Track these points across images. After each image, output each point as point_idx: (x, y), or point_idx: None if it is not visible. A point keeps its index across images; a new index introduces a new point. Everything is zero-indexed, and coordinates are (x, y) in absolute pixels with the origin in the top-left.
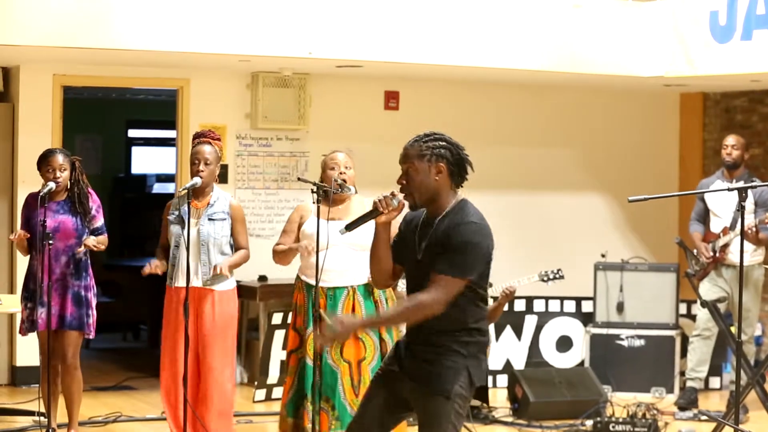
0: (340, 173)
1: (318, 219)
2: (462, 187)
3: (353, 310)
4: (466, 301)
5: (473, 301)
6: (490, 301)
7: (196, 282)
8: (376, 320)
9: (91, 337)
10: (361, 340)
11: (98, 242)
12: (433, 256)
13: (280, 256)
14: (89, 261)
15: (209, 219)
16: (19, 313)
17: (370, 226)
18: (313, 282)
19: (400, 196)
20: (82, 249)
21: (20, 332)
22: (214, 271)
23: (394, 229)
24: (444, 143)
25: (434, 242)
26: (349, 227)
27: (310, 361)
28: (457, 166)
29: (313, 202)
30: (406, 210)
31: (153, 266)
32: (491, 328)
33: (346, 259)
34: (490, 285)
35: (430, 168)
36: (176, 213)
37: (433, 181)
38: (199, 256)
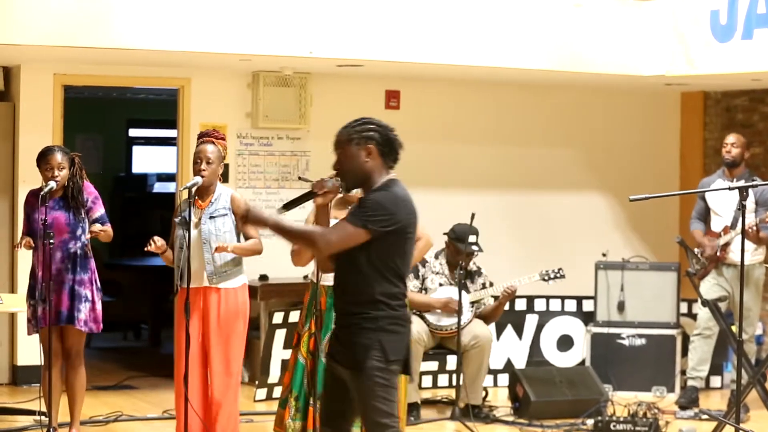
0: None
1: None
2: (392, 167)
3: None
4: (372, 272)
5: (382, 274)
6: (490, 300)
7: (204, 282)
8: (279, 225)
9: (94, 331)
10: None
11: (103, 228)
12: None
13: (296, 256)
14: (89, 256)
15: (210, 217)
16: (20, 312)
17: None
18: (326, 284)
19: (336, 179)
20: (88, 236)
21: (27, 332)
22: (219, 250)
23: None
24: (372, 126)
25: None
26: (287, 207)
27: (302, 359)
28: (387, 146)
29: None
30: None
31: (157, 244)
32: (492, 327)
33: None
34: (491, 284)
35: (360, 151)
36: (182, 215)
37: (363, 163)
38: (203, 256)
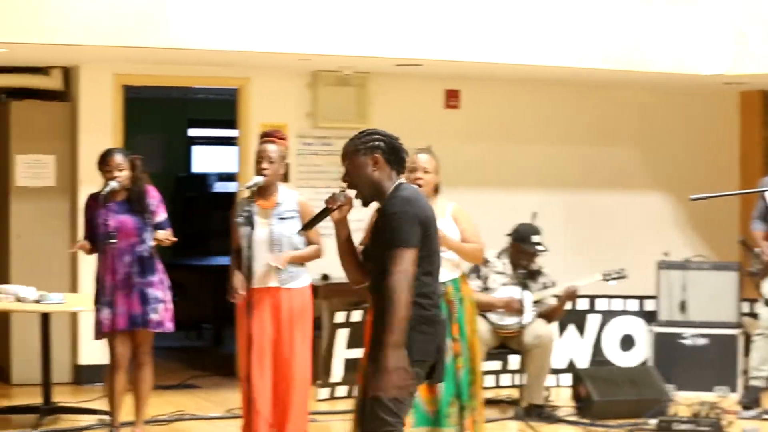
0: (416, 178)
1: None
2: (402, 174)
3: None
4: None
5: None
6: (552, 300)
7: (272, 282)
8: (387, 331)
9: (167, 331)
10: None
11: (167, 236)
12: (378, 243)
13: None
14: (155, 257)
15: (280, 218)
16: (83, 311)
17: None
18: None
19: (348, 191)
20: (153, 243)
21: (95, 337)
22: (276, 265)
23: None
24: (376, 136)
25: (378, 228)
26: (306, 227)
27: None
28: (393, 154)
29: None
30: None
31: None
32: (554, 327)
33: None
34: (553, 284)
35: (367, 160)
36: (245, 214)
37: (371, 172)
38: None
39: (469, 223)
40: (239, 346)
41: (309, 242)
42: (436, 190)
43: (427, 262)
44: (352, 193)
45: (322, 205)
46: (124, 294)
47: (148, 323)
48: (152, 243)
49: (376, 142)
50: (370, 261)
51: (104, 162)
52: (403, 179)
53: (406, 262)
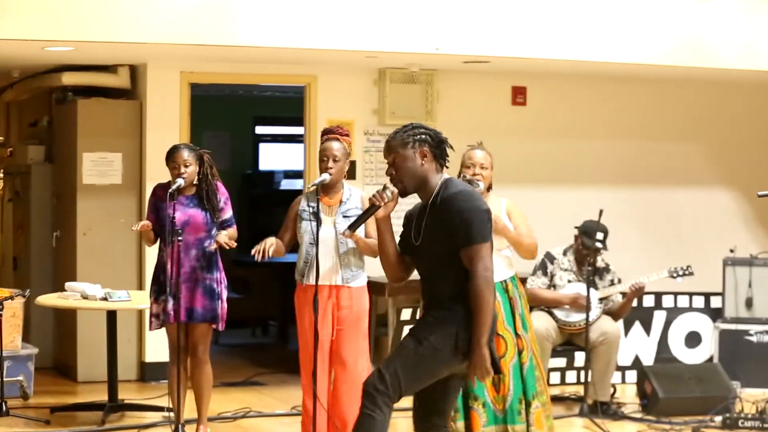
0: (474, 174)
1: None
2: (447, 167)
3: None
4: (457, 269)
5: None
6: (619, 297)
7: (335, 279)
8: (479, 334)
9: (220, 329)
10: (501, 336)
11: (229, 238)
12: (433, 237)
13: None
14: (219, 255)
15: (344, 216)
16: (148, 309)
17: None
18: None
19: (392, 187)
20: (213, 246)
21: (149, 328)
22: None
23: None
24: (423, 130)
25: (432, 222)
26: (352, 227)
27: None
28: (439, 149)
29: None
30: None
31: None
32: (620, 324)
33: None
34: (619, 281)
35: (416, 154)
36: (309, 210)
37: (419, 166)
38: (339, 254)
39: (523, 219)
40: (301, 343)
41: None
42: (489, 186)
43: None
44: (395, 189)
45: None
46: (187, 288)
47: (215, 319)
48: (213, 246)
49: (424, 136)
50: (415, 255)
51: (171, 158)
52: (447, 174)
53: (486, 259)
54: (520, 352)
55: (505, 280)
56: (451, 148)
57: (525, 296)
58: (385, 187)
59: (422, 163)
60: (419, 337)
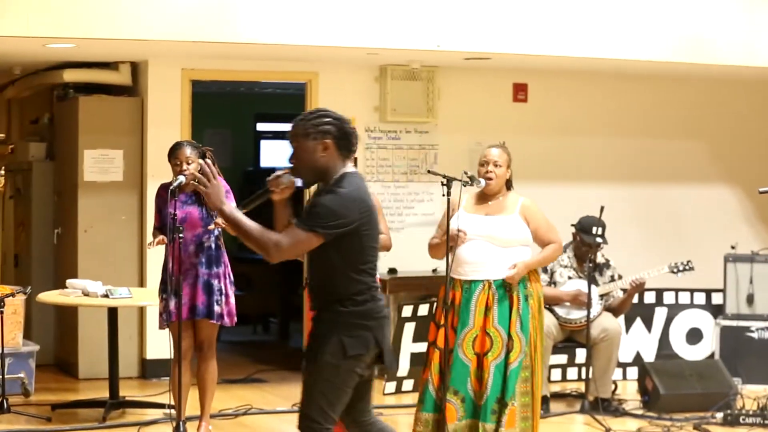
0: (487, 172)
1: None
2: (349, 158)
3: (488, 304)
4: (337, 273)
5: (345, 273)
6: (620, 293)
7: None
8: (236, 220)
9: (227, 325)
10: (489, 334)
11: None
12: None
13: (434, 249)
14: (223, 249)
15: None
16: (149, 306)
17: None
18: (453, 276)
19: (289, 175)
20: (213, 227)
21: (159, 326)
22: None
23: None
24: (329, 119)
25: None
26: (245, 205)
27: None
28: (344, 139)
29: (443, 195)
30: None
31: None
32: (621, 320)
33: (483, 253)
34: (620, 277)
35: (316, 146)
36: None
37: (319, 158)
38: None
39: (542, 219)
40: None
41: None
42: (508, 186)
43: (361, 258)
44: (292, 178)
45: (386, 198)
46: (188, 284)
47: (211, 314)
48: (216, 230)
49: (327, 126)
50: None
51: (173, 155)
52: (351, 167)
53: (292, 241)
54: (508, 353)
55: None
56: (356, 137)
57: (538, 295)
58: (285, 173)
59: (323, 155)
60: (317, 362)
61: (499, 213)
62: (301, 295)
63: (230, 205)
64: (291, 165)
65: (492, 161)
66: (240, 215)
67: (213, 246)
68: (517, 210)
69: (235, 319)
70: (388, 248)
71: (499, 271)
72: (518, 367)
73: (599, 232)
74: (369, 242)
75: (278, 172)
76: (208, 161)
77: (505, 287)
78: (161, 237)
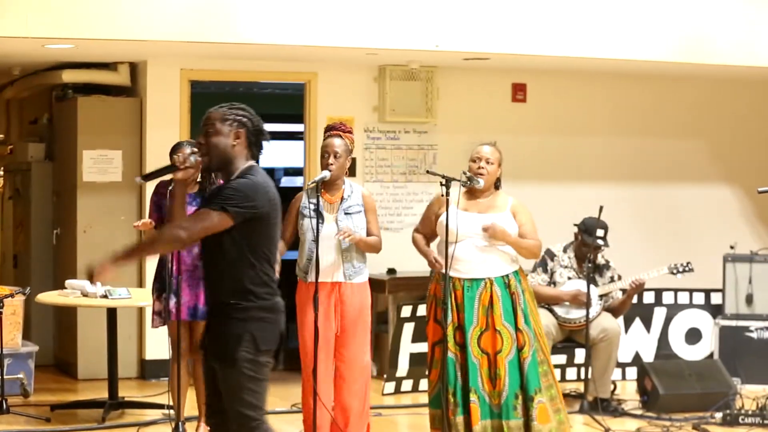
0: (479, 168)
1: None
2: (255, 158)
3: (491, 301)
4: (240, 261)
5: (249, 263)
6: (619, 293)
7: (338, 277)
8: (129, 249)
9: None
10: (498, 332)
11: None
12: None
13: (417, 249)
14: None
15: (345, 213)
16: (148, 306)
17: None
18: (452, 274)
19: (198, 156)
20: None
21: (152, 325)
22: (344, 234)
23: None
24: (247, 113)
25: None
26: (147, 177)
27: (452, 354)
28: (255, 137)
29: (442, 195)
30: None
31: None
32: (620, 320)
33: (480, 251)
34: (619, 277)
35: (230, 133)
36: (311, 207)
37: (230, 146)
38: (341, 251)
39: (528, 219)
40: (302, 341)
41: (369, 235)
42: (497, 185)
43: (267, 251)
44: (200, 158)
45: (385, 199)
46: (190, 285)
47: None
48: None
49: (245, 119)
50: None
51: (173, 154)
52: (252, 162)
53: (201, 222)
54: (520, 348)
55: (507, 275)
56: (267, 138)
57: (530, 290)
58: (192, 153)
59: (234, 144)
60: (234, 360)
61: (492, 211)
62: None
63: (114, 252)
64: (199, 146)
65: (484, 158)
66: (126, 248)
67: None
68: (508, 208)
69: None
70: (378, 250)
71: (500, 268)
72: (534, 360)
73: (602, 234)
74: (275, 233)
75: (187, 151)
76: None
77: (506, 283)
78: (149, 220)
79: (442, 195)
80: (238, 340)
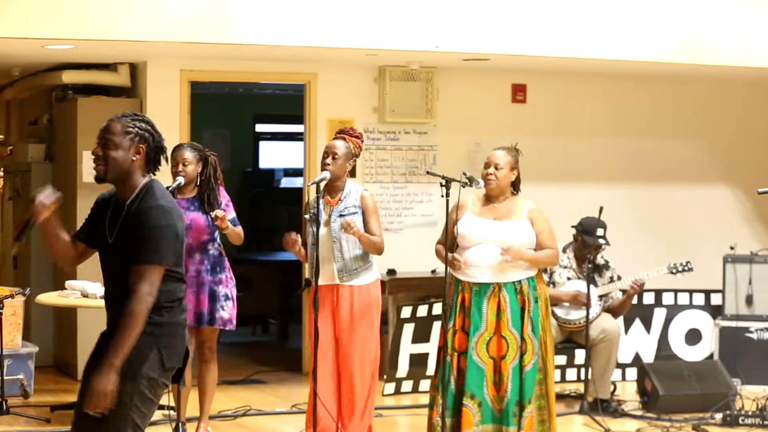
0: (488, 173)
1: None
2: (153, 174)
3: (498, 306)
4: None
5: (163, 281)
6: (619, 294)
7: (335, 279)
8: (114, 352)
9: (228, 329)
10: (504, 337)
11: (238, 237)
12: (126, 242)
13: (441, 256)
14: (224, 255)
15: (340, 215)
16: None
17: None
18: (462, 278)
19: (55, 195)
20: (215, 213)
21: None
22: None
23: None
24: (149, 128)
25: (125, 226)
26: (18, 238)
27: (449, 358)
28: (154, 153)
29: (441, 196)
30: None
31: (291, 237)
32: (620, 321)
33: (492, 257)
34: (619, 278)
35: (131, 147)
36: (312, 211)
37: (129, 160)
38: (333, 254)
39: (545, 226)
40: (309, 344)
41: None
42: (515, 189)
43: (177, 262)
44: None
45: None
46: (193, 291)
47: (216, 321)
48: (217, 235)
49: (147, 134)
50: (105, 252)
51: (172, 156)
52: (152, 176)
53: (155, 283)
54: (521, 355)
55: (519, 281)
56: (166, 160)
57: (545, 297)
58: (44, 198)
59: (133, 159)
60: (135, 377)
61: (508, 218)
62: (301, 297)
63: (110, 361)
64: (95, 156)
65: (493, 163)
66: (116, 345)
67: (216, 253)
68: (524, 215)
69: (235, 321)
70: (379, 250)
71: (511, 274)
72: (533, 369)
73: (602, 234)
74: (181, 248)
75: (40, 197)
76: None
77: (515, 288)
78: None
79: (442, 195)
80: (145, 357)
